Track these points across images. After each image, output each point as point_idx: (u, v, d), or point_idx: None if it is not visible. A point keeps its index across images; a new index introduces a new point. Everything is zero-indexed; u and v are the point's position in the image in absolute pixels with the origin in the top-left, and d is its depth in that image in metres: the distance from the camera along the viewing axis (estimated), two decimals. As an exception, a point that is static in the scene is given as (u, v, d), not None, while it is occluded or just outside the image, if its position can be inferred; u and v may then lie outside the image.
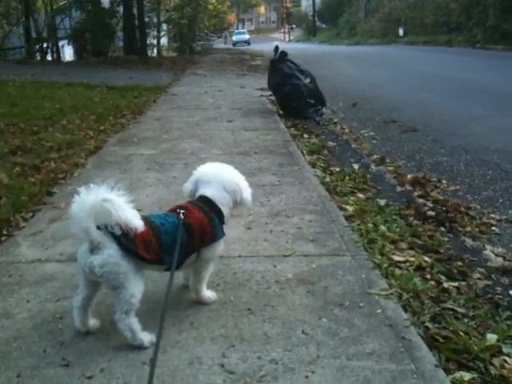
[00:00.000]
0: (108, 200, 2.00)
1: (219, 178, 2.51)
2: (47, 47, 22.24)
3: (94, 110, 8.26)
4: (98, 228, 2.06)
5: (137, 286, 2.14)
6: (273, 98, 9.34)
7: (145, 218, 2.20)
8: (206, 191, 2.48)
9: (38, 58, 21.70)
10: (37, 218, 3.77)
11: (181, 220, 2.28)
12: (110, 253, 2.07)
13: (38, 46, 21.98)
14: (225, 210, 2.50)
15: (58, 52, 22.33)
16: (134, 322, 2.15)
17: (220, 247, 2.51)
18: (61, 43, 22.85)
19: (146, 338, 2.18)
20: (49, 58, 22.14)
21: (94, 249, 2.08)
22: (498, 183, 5.06)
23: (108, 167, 5.12)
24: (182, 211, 2.33)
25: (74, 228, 2.04)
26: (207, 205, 2.44)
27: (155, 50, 29.15)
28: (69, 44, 23.04)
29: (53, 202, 4.09)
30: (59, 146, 5.84)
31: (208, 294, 2.55)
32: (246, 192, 2.56)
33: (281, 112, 8.53)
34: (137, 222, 2.08)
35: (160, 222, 2.27)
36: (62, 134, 6.45)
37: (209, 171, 2.56)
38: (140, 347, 2.17)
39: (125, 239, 2.08)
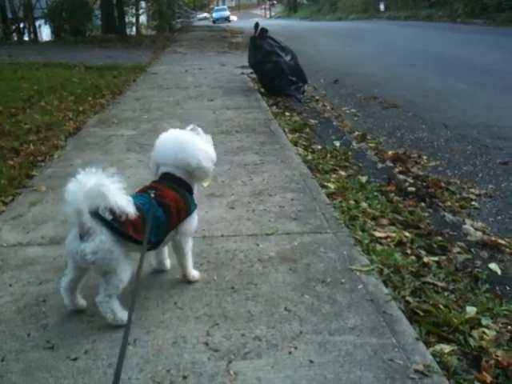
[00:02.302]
0: (105, 186, 2.00)
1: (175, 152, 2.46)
2: (24, 27, 21.72)
3: (72, 91, 8.14)
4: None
5: (126, 271, 2.15)
6: (254, 75, 9.28)
7: None
8: (166, 168, 2.47)
9: (15, 39, 21.23)
10: (17, 202, 3.73)
11: (152, 199, 2.29)
12: (102, 239, 2.06)
13: (14, 27, 21.47)
14: (190, 182, 2.50)
15: (35, 32, 21.85)
16: (116, 304, 2.17)
17: (195, 219, 2.51)
18: (38, 23, 22.35)
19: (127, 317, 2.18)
20: (26, 38, 21.65)
21: (84, 235, 2.06)
22: (477, 158, 5.12)
23: (88, 149, 5.06)
24: (152, 191, 2.34)
25: (68, 208, 2.00)
26: (175, 181, 2.44)
27: (134, 29, 28.64)
28: (46, 24, 22.55)
29: (33, 185, 4.03)
30: (38, 128, 5.76)
31: (192, 272, 2.57)
32: (205, 161, 2.50)
33: (262, 90, 8.48)
34: (130, 210, 2.08)
35: (140, 202, 2.26)
36: (40, 115, 6.36)
37: (164, 148, 2.49)
38: (122, 326, 2.17)
39: (116, 223, 2.08)
